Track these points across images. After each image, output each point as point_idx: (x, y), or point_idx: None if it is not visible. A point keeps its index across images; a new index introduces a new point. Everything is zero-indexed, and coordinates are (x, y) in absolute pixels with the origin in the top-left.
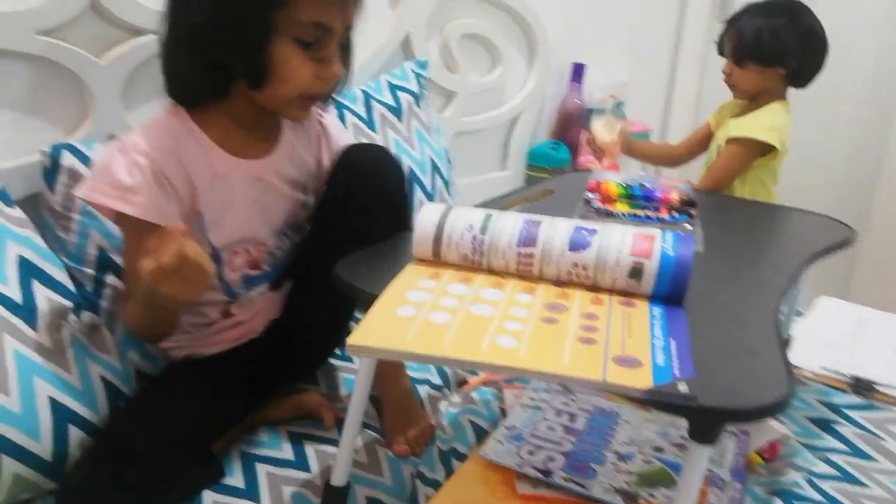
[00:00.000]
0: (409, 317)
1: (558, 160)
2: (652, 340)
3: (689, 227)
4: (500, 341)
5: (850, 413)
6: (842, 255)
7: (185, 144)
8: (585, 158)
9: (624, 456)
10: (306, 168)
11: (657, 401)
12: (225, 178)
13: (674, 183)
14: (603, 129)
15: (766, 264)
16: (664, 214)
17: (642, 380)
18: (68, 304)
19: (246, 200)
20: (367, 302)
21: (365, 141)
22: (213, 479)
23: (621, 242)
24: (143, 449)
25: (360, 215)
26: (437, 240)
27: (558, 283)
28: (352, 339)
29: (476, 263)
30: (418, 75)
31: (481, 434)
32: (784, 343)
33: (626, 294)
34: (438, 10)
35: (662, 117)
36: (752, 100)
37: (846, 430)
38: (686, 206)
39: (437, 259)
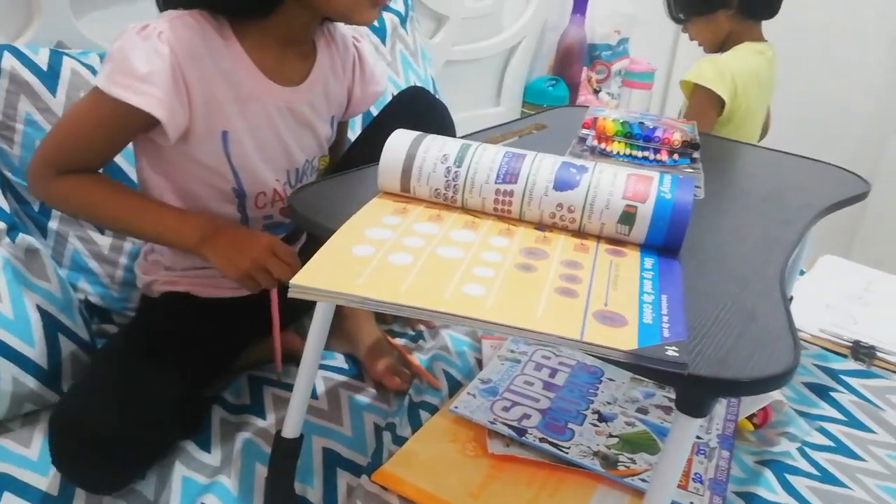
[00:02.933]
0: (366, 256)
1: (556, 98)
2: (640, 296)
3: (690, 171)
4: (467, 289)
5: (849, 380)
6: (847, 212)
7: (216, 51)
8: (585, 98)
9: (605, 417)
10: (337, 101)
11: (641, 365)
12: (254, 99)
13: (677, 123)
14: None
15: (773, 217)
16: (664, 157)
17: (625, 340)
18: (1, 225)
19: (272, 129)
20: (323, 238)
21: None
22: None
23: (613, 184)
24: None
25: None
26: (407, 171)
27: (541, 226)
28: (296, 279)
29: (450, 200)
30: None
31: (454, 386)
32: (790, 307)
33: (616, 242)
34: None
35: (669, 56)
36: (721, 51)
37: (843, 397)
38: (688, 149)
39: (405, 194)
